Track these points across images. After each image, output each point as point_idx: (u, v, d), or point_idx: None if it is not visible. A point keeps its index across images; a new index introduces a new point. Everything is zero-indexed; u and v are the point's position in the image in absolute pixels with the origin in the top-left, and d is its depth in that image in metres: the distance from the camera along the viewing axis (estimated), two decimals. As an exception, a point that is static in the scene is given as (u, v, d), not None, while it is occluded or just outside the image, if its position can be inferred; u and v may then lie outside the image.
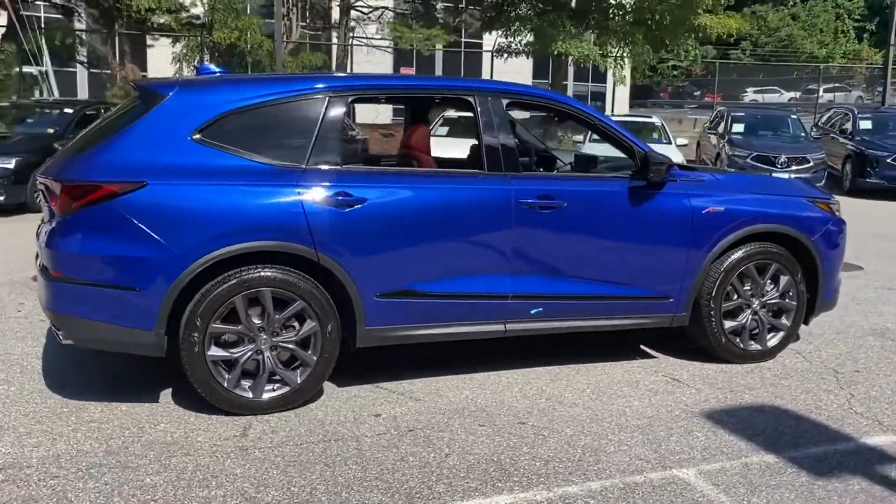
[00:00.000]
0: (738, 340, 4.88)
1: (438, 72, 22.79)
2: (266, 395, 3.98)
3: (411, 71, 19.18)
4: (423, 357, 4.79)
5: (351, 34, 17.87)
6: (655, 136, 15.34)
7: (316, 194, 3.96)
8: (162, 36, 16.48)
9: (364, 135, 14.98)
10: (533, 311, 4.41)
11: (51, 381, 4.42)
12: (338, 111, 4.16)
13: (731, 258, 4.76)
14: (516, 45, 17.60)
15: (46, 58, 14.20)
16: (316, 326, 4.01)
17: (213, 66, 4.76)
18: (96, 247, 3.76)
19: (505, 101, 4.51)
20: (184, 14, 15.93)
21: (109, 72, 16.46)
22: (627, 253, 4.57)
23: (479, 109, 4.43)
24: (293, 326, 4.03)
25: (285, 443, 3.67)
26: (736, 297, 4.84)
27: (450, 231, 4.22)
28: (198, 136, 3.92)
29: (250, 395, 3.96)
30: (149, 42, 17.53)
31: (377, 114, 19.41)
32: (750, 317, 4.90)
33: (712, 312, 4.77)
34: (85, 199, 3.75)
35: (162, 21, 15.71)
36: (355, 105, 4.78)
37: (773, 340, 4.98)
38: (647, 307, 4.67)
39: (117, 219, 3.74)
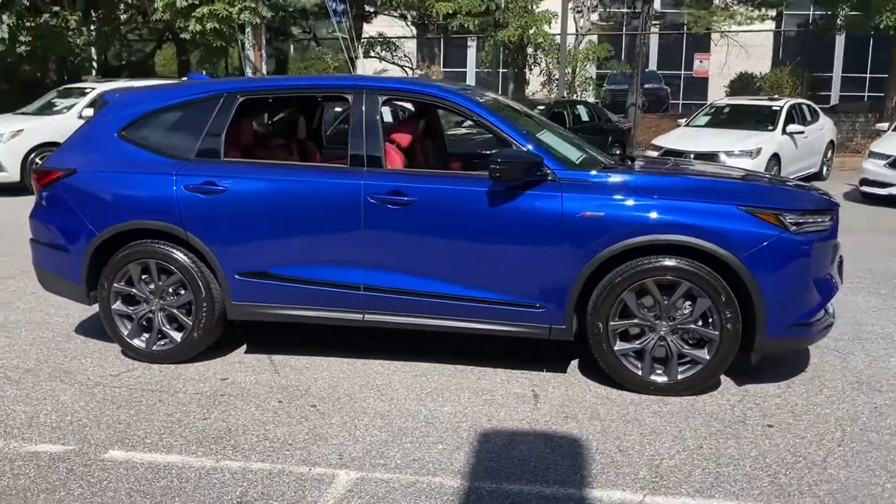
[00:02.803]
0: (638, 366, 4.26)
1: (731, 55, 20.09)
2: (155, 348, 4.81)
3: (707, 57, 17.70)
4: (344, 338, 5.14)
5: (653, 22, 17.25)
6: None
7: (187, 182, 4.63)
8: (460, 37, 17.96)
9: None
10: (390, 304, 4.49)
11: (94, 320, 5.81)
12: (227, 111, 4.75)
13: (622, 271, 4.17)
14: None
15: (361, 67, 16.60)
16: (191, 295, 4.71)
17: (203, 74, 5.67)
18: (48, 217, 4.97)
19: (380, 98, 4.60)
20: (483, 17, 17.13)
21: (420, 72, 18.57)
22: (484, 254, 4.33)
23: (352, 106, 4.61)
24: (181, 294, 4.78)
25: (126, 385, 4.46)
26: (633, 316, 4.22)
27: (303, 221, 4.52)
28: (122, 133, 4.88)
29: (143, 345, 4.83)
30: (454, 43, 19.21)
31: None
32: (654, 342, 4.23)
33: (597, 330, 4.25)
34: (43, 182, 4.98)
35: (461, 24, 17.15)
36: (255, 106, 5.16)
37: (685, 373, 4.21)
38: (513, 314, 4.36)
39: (57, 197, 4.90)
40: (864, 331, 5.46)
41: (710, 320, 4.14)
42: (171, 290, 4.75)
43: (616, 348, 4.26)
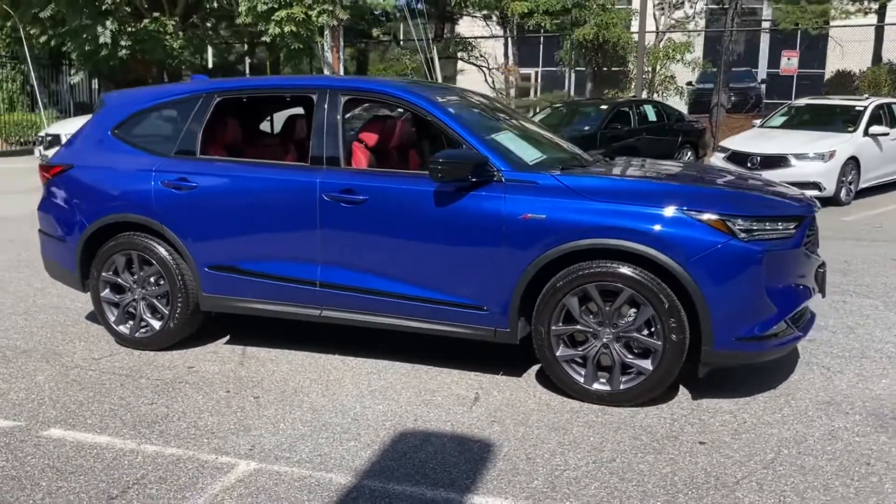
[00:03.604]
0: (581, 373, 4.13)
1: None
2: (137, 335, 5.07)
3: (795, 55, 16.57)
4: (324, 333, 5.24)
5: (739, 18, 16.41)
6: None
7: (163, 178, 4.86)
8: (533, 36, 17.71)
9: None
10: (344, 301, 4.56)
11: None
12: (205, 111, 4.94)
13: (565, 275, 4.06)
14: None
15: (437, 67, 16.71)
16: (168, 286, 4.94)
17: (205, 76, 5.90)
18: (50, 209, 5.33)
19: (342, 98, 4.66)
20: (562, 16, 16.85)
21: (500, 72, 18.49)
22: (431, 254, 4.32)
23: (316, 106, 4.69)
24: (160, 284, 5.02)
25: (101, 369, 4.72)
26: (575, 321, 4.10)
27: (265, 217, 4.65)
28: (115, 131, 5.17)
29: (127, 332, 5.10)
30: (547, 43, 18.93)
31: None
32: (598, 349, 4.09)
33: (541, 334, 4.16)
34: (47, 176, 5.34)
35: (538, 23, 16.92)
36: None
37: (628, 383, 4.05)
38: (460, 315, 4.32)
39: (57, 191, 5.25)
40: (872, 348, 5.06)
41: (654, 329, 3.97)
42: (152, 280, 5.00)
43: (558, 354, 4.15)
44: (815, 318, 4.54)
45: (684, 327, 3.91)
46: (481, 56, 18.69)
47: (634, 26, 16.36)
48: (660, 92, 16.60)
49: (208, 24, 18.64)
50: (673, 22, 17.40)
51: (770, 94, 22.11)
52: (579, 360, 4.16)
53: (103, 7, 16.59)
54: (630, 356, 4.05)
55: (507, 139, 4.62)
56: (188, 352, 5.03)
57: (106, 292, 5.12)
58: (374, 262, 4.46)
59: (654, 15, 16.85)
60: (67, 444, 3.71)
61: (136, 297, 5.05)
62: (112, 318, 5.12)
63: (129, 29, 17.22)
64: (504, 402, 4.18)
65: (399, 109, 5.58)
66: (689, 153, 13.66)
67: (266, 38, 15.53)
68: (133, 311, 5.08)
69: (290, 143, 5.77)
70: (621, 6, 17.07)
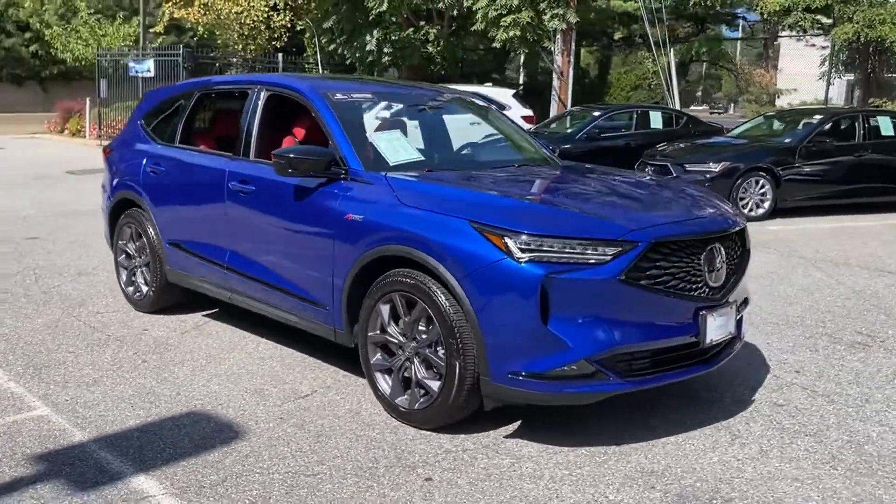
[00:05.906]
0: (389, 384, 3.90)
1: None
2: (135, 297, 5.83)
3: None
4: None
5: None
6: None
7: (148, 161, 5.53)
8: (788, 37, 15.41)
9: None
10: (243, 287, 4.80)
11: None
12: (188, 103, 5.51)
13: (379, 280, 3.87)
14: None
15: (673, 71, 15.50)
16: (149, 258, 5.62)
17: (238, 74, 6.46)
18: (102, 186, 6.34)
19: (263, 93, 4.86)
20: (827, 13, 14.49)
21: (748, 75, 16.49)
22: (293, 247, 4.38)
23: (247, 100, 4.96)
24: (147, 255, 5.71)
25: (88, 323, 5.51)
26: (382, 330, 3.88)
27: (198, 202, 5.08)
28: (141, 121, 5.99)
29: (131, 293, 5.88)
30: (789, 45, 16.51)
31: None
32: (403, 361, 3.82)
33: (361, 339, 4.00)
34: (104, 155, 6.35)
35: (796, 21, 14.72)
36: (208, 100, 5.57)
37: (423, 404, 3.73)
38: (310, 311, 4.31)
39: (105, 169, 6.22)
40: (844, 429, 3.94)
41: (443, 349, 3.60)
42: (146, 250, 5.72)
43: (372, 361, 3.96)
44: (694, 372, 3.69)
45: (460, 350, 3.49)
46: (732, 60, 17.03)
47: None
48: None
49: (462, 32, 19.64)
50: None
51: None
52: (386, 370, 3.92)
53: (370, 17, 18.40)
54: (425, 374, 3.72)
55: (389, 138, 4.45)
56: (163, 317, 5.63)
57: (121, 258, 5.97)
58: (258, 249, 4.64)
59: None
60: (-32, 372, 4.52)
61: (136, 264, 5.82)
62: (123, 280, 5.95)
63: (392, 38, 18.87)
64: (323, 404, 4.09)
65: None
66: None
67: (496, 44, 15.97)
68: (135, 277, 5.86)
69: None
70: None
